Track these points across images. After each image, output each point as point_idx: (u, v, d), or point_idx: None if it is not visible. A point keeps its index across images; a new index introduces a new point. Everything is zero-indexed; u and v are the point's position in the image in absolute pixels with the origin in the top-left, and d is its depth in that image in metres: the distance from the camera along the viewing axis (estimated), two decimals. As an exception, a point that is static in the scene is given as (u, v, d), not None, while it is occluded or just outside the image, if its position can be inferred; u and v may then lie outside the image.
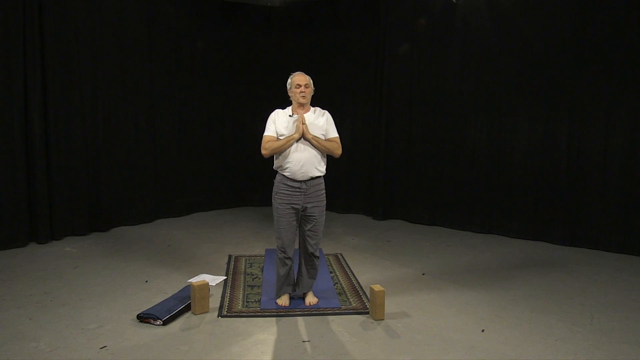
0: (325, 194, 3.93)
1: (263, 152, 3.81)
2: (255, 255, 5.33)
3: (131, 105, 6.45)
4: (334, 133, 3.92)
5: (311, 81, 3.90)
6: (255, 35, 7.69)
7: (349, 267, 4.97)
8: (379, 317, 3.72)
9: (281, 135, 3.79)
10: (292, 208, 3.81)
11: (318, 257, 4.00)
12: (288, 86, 3.91)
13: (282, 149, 3.76)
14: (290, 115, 3.84)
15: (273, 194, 3.89)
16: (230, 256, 5.27)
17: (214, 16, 7.36)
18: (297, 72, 3.93)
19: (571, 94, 5.71)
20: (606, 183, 5.58)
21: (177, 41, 6.93)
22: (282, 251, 3.89)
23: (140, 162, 6.60)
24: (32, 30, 5.37)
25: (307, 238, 3.92)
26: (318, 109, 3.95)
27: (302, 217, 3.89)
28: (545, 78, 5.86)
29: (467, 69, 6.39)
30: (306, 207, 3.83)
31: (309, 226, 3.89)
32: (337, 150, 3.90)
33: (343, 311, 3.88)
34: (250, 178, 7.83)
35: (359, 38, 7.30)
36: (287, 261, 3.91)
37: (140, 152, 6.59)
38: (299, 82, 3.83)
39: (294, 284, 4.08)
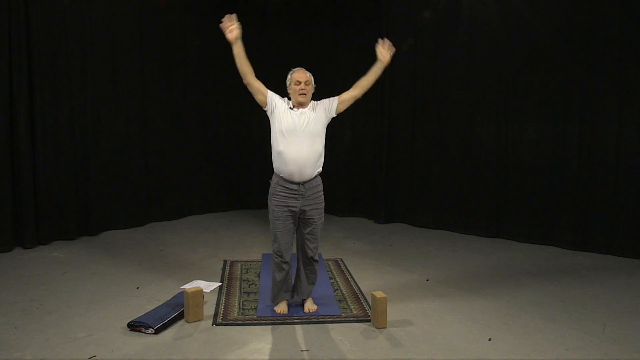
0: (323, 196, 3.85)
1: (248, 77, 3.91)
2: (251, 261, 5.25)
3: (122, 104, 6.35)
4: (335, 97, 3.84)
5: (312, 78, 3.80)
6: (251, 30, 7.59)
7: (349, 272, 4.89)
8: (381, 325, 3.65)
9: (281, 130, 3.67)
10: (290, 210, 3.72)
11: (317, 260, 3.92)
12: (287, 82, 3.80)
13: (241, 63, 3.92)
14: (290, 108, 3.73)
15: (269, 195, 3.79)
16: (225, 261, 5.19)
17: (209, 10, 7.24)
18: (297, 68, 3.81)
19: (582, 91, 5.62)
20: (619, 185, 5.49)
21: (170, 36, 6.83)
22: (279, 255, 3.80)
23: (132, 163, 6.50)
24: (18, 24, 5.26)
25: (306, 242, 3.82)
26: (312, 102, 3.82)
27: (301, 220, 3.80)
28: (554, 75, 5.77)
29: (473, 66, 6.30)
30: (304, 210, 3.74)
31: (307, 229, 3.80)
32: (358, 81, 3.93)
33: (343, 319, 3.80)
34: (246, 180, 7.76)
35: (360, 33, 7.21)
36: (284, 266, 3.82)
37: (132, 152, 6.49)
38: (299, 79, 3.72)
39: (292, 290, 3.99)
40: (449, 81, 6.50)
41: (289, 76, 3.80)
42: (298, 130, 3.65)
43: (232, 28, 3.79)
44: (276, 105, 3.75)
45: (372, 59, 7.07)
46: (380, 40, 3.94)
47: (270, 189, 3.79)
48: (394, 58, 6.72)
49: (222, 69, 7.44)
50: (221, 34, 7.49)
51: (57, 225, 5.73)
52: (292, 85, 3.74)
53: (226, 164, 7.65)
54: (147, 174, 6.68)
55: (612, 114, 5.47)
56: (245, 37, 7.68)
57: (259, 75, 7.62)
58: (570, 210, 5.76)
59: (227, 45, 7.47)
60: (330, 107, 3.80)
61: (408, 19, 6.72)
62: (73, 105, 5.82)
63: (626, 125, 5.42)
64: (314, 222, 3.78)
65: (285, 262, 3.81)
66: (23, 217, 5.43)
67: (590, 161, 5.62)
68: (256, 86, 3.84)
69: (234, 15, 3.77)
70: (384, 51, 3.93)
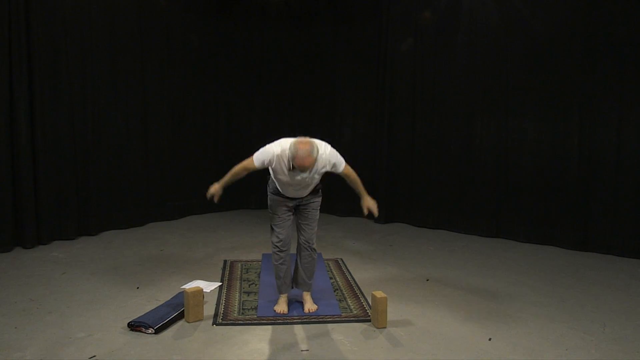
0: (321, 190, 3.92)
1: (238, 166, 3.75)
2: (251, 260, 5.22)
3: (122, 104, 6.32)
4: (341, 165, 3.70)
5: (316, 155, 3.43)
6: (251, 29, 7.61)
7: (349, 272, 4.87)
8: (381, 325, 3.63)
9: (280, 184, 3.71)
10: (286, 205, 3.81)
11: (315, 250, 3.93)
12: (289, 155, 3.43)
13: (238, 177, 3.80)
14: (290, 170, 3.55)
15: (268, 189, 3.89)
16: (225, 261, 5.17)
17: (209, 9, 7.26)
18: (301, 149, 3.35)
19: (582, 91, 5.60)
20: (619, 184, 5.46)
21: (170, 36, 6.81)
22: (276, 245, 3.87)
23: (131, 163, 6.47)
24: (17, 24, 5.24)
25: (302, 231, 3.90)
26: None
27: (297, 211, 3.89)
28: (554, 74, 5.75)
29: (473, 66, 6.28)
30: (299, 205, 3.85)
31: (303, 218, 3.89)
32: (355, 175, 3.82)
33: (343, 319, 3.78)
34: (246, 180, 7.60)
35: (360, 32, 7.21)
36: (283, 251, 3.88)
37: (132, 152, 6.46)
38: (301, 169, 3.45)
39: (292, 280, 4.03)
40: (448, 81, 6.48)
41: (293, 149, 3.39)
42: (294, 183, 3.65)
43: (214, 195, 3.88)
44: (274, 165, 3.60)
45: (372, 59, 7.07)
46: (372, 210, 3.91)
47: (268, 185, 3.88)
48: (396, 56, 6.75)
49: (222, 68, 7.44)
50: (220, 34, 7.53)
51: (57, 225, 5.70)
52: (293, 164, 3.46)
53: (226, 164, 7.53)
54: (147, 174, 6.65)
55: (612, 113, 5.45)
56: (245, 36, 7.75)
57: (258, 73, 7.64)
58: (571, 210, 5.73)
59: (227, 45, 7.56)
60: (335, 169, 3.70)
61: (408, 18, 6.70)
62: (73, 105, 5.79)
63: (626, 125, 5.39)
64: (309, 212, 3.87)
65: (282, 250, 3.87)
66: (23, 217, 5.39)
67: (591, 161, 5.59)
68: (254, 168, 3.70)
69: (209, 196, 3.89)
70: (366, 208, 3.91)
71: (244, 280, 4.60)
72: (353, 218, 7.27)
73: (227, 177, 3.80)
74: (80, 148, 5.90)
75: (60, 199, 5.73)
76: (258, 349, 3.30)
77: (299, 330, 3.60)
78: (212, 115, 7.43)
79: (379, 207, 6.91)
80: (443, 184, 6.61)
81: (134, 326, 3.52)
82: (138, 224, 6.53)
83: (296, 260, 4.00)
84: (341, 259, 5.28)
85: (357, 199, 7.32)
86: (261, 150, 3.61)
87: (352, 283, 4.56)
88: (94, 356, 3.15)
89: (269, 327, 3.64)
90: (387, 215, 6.98)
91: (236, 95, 7.62)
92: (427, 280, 4.69)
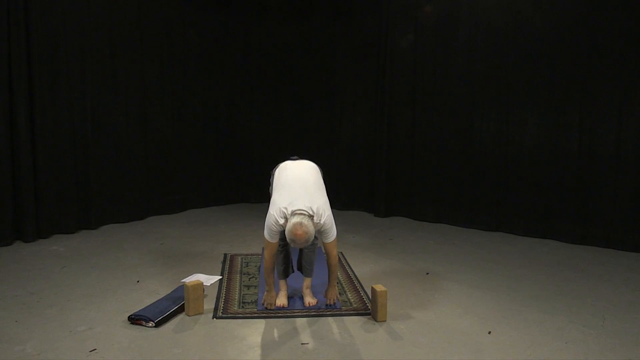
0: None
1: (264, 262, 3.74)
2: (251, 254, 5.21)
3: (121, 98, 6.31)
4: (331, 238, 3.68)
5: (312, 234, 3.45)
6: (251, 25, 7.59)
7: (349, 266, 4.86)
8: (381, 318, 3.62)
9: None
10: None
11: (317, 238, 3.92)
12: (287, 237, 3.45)
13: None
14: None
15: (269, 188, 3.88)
16: (225, 255, 5.17)
17: (208, 4, 7.25)
18: (298, 237, 3.35)
19: (582, 85, 5.59)
20: (619, 179, 5.46)
21: (169, 31, 6.79)
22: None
23: (131, 157, 6.46)
24: (16, 19, 5.22)
25: None
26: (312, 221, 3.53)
27: None
28: (555, 69, 5.73)
29: (473, 60, 6.26)
30: None
31: None
32: (335, 259, 3.77)
33: (343, 312, 3.78)
34: (246, 174, 7.73)
35: (360, 27, 7.20)
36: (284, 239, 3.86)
37: (131, 146, 6.46)
38: (297, 246, 3.50)
39: (296, 266, 4.07)
40: (449, 74, 6.46)
41: (289, 234, 3.39)
42: None
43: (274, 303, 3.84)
44: (280, 232, 3.63)
45: (372, 54, 7.07)
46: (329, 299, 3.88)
47: (270, 183, 3.86)
48: (396, 51, 6.74)
49: (222, 63, 7.42)
50: (220, 29, 7.51)
51: (57, 219, 5.69)
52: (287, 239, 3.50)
53: (226, 158, 7.62)
54: (147, 168, 6.65)
55: (613, 108, 5.44)
56: (245, 32, 7.74)
57: (258, 68, 7.63)
58: (570, 204, 5.73)
59: (226, 40, 7.56)
60: (323, 235, 3.69)
61: (409, 12, 6.67)
62: (73, 100, 5.78)
63: (626, 119, 5.38)
64: None
65: (284, 239, 3.85)
66: (23, 211, 5.38)
67: (591, 155, 5.58)
68: (275, 245, 3.71)
69: (275, 307, 3.83)
70: (326, 296, 3.89)
71: (244, 274, 4.60)
72: (353, 212, 7.29)
73: (270, 279, 3.77)
74: (80, 141, 5.89)
75: (60, 192, 5.72)
76: (258, 343, 3.30)
77: (298, 323, 3.60)
78: (212, 109, 7.42)
79: (378, 201, 6.97)
80: (443, 178, 6.60)
81: (135, 320, 3.51)
82: (138, 217, 6.53)
83: (299, 250, 4.01)
84: (341, 253, 5.25)
85: (356, 193, 7.37)
86: (266, 228, 3.59)
87: (352, 276, 4.56)
88: (95, 349, 3.15)
89: (269, 320, 3.64)
90: (387, 209, 6.99)
91: (236, 89, 7.61)
92: (427, 273, 4.69)
